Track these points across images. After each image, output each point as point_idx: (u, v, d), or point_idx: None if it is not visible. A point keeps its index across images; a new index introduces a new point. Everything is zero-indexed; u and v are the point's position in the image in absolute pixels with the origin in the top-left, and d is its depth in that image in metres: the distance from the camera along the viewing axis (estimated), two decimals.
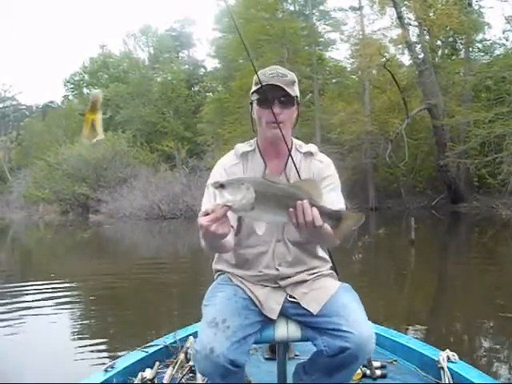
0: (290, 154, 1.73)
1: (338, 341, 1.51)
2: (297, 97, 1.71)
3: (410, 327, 4.18)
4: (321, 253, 1.82)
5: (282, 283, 1.72)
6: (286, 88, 1.65)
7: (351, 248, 9.11)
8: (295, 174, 1.71)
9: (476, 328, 4.34)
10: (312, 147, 1.80)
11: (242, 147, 1.79)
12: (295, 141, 1.80)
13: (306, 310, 1.63)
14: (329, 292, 1.65)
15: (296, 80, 1.72)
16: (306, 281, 1.72)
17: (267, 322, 1.68)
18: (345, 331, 1.50)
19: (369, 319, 1.58)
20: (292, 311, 1.68)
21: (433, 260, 8.41)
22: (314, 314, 1.61)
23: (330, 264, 1.84)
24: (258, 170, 1.74)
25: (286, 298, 1.70)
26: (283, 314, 1.69)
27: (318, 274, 1.76)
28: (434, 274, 7.13)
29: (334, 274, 1.82)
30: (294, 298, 1.69)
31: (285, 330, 1.68)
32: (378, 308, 4.90)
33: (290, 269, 1.72)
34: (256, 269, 1.73)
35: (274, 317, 1.66)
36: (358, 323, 1.52)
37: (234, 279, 1.74)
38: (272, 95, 1.65)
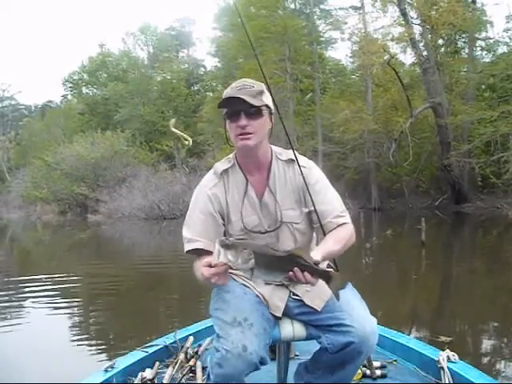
0: (270, 165, 1.73)
1: (341, 336, 1.54)
2: (267, 106, 1.68)
3: (425, 332, 4.05)
4: None
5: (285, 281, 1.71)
6: (248, 99, 1.61)
7: (360, 250, 9.08)
8: (280, 186, 1.71)
9: (480, 329, 4.31)
10: (292, 154, 1.75)
11: (220, 166, 1.77)
12: (274, 149, 1.78)
13: (309, 307, 1.64)
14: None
15: (264, 90, 1.69)
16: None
17: (274, 320, 1.68)
18: (348, 326, 1.52)
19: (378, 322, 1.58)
20: (296, 310, 1.68)
21: (445, 262, 8.20)
22: (319, 310, 1.62)
23: (327, 262, 1.81)
24: (241, 187, 1.73)
25: (289, 295, 1.69)
26: (287, 313, 1.69)
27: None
28: (449, 278, 6.93)
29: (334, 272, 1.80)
30: (297, 295, 1.69)
31: (290, 330, 1.68)
32: (391, 311, 4.78)
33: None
34: None
35: (279, 314, 1.67)
36: (360, 318, 1.54)
37: (238, 278, 1.72)
38: (238, 108, 1.63)
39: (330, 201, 1.71)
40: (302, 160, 1.76)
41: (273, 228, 1.70)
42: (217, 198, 1.72)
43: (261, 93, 1.67)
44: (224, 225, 1.73)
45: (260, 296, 1.67)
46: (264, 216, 1.71)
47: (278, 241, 1.71)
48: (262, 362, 1.52)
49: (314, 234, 1.82)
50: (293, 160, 1.74)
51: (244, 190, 1.72)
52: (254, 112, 1.64)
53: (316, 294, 1.64)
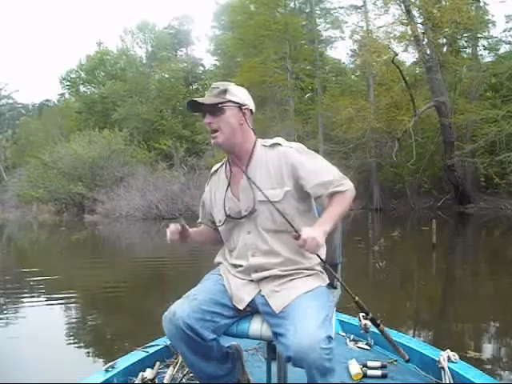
0: (252, 153, 1.84)
1: (283, 349, 1.55)
2: (232, 101, 1.78)
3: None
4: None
5: (255, 276, 1.76)
6: (203, 100, 1.78)
7: (370, 254, 8.80)
8: (259, 170, 1.79)
9: (481, 330, 4.33)
10: (279, 139, 1.84)
11: (214, 167, 1.99)
12: (260, 140, 1.87)
13: (271, 307, 1.67)
14: (296, 293, 1.66)
15: (228, 88, 1.80)
16: (279, 277, 1.74)
17: (243, 315, 1.76)
18: (288, 339, 1.52)
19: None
20: (261, 308, 1.72)
21: (459, 265, 8.00)
22: (276, 312, 1.64)
23: (318, 263, 1.79)
24: (224, 180, 1.88)
25: (258, 292, 1.74)
26: (258, 311, 1.74)
27: (296, 272, 1.75)
28: (464, 281, 6.72)
29: (322, 274, 1.79)
30: (264, 293, 1.74)
31: (258, 328, 1.70)
32: (409, 316, 4.73)
33: (262, 258, 1.76)
34: (234, 260, 1.84)
35: (241, 307, 1.74)
36: (302, 331, 1.50)
37: (222, 270, 1.88)
38: (200, 108, 1.80)
39: (312, 171, 1.74)
40: (291, 143, 1.82)
41: (250, 211, 1.77)
42: (207, 196, 1.97)
43: (224, 91, 1.79)
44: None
45: (227, 287, 1.78)
46: (241, 200, 1.79)
47: (257, 222, 1.77)
48: (196, 333, 1.66)
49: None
50: (279, 144, 1.81)
51: (227, 182, 1.85)
52: (214, 110, 1.77)
53: (280, 297, 1.68)
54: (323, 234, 1.62)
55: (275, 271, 1.74)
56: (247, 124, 1.83)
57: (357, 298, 1.76)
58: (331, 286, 1.91)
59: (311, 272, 1.77)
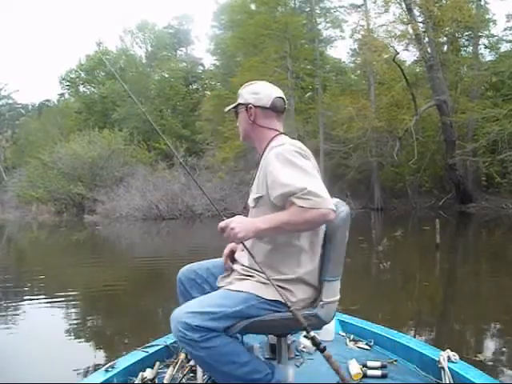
0: (263, 152, 1.89)
1: None
2: (241, 104, 1.91)
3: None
4: (278, 265, 1.75)
5: (234, 266, 1.93)
6: (226, 109, 2.01)
7: (374, 254, 8.75)
8: (258, 172, 1.84)
9: (482, 330, 4.33)
10: (279, 140, 1.82)
11: None
12: (277, 139, 1.85)
13: None
14: (228, 287, 1.76)
15: (239, 92, 1.94)
16: (239, 274, 1.84)
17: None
18: None
19: None
20: None
21: (463, 266, 7.92)
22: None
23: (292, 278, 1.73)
24: None
25: None
26: None
27: (253, 275, 1.77)
28: (469, 282, 6.63)
29: (273, 287, 1.67)
30: None
31: None
32: (415, 318, 4.65)
33: (241, 254, 1.91)
34: None
35: (218, 285, 1.89)
36: (181, 308, 1.68)
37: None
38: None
39: (278, 181, 1.65)
40: (280, 147, 1.74)
41: (243, 208, 1.76)
42: None
43: (239, 96, 1.94)
44: None
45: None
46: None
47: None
48: (186, 290, 2.00)
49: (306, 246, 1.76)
50: (272, 147, 1.79)
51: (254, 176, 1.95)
52: (235, 114, 1.97)
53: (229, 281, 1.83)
54: (252, 230, 1.63)
55: (239, 268, 1.86)
56: (258, 122, 1.88)
57: (292, 308, 1.64)
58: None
59: (264, 280, 1.72)
